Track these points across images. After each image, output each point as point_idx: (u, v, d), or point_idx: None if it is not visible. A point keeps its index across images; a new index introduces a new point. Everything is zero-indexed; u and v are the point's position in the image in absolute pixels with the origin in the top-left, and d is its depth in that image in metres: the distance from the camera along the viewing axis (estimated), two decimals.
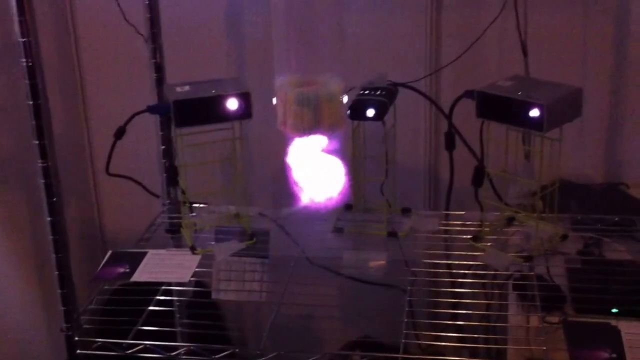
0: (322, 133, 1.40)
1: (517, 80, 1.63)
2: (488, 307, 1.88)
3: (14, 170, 2.16)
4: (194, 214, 1.84)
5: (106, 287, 1.65)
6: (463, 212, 1.82)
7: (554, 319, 1.54)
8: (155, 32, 1.88)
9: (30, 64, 1.38)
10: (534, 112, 1.50)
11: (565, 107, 1.55)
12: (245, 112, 1.60)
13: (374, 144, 1.71)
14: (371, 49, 2.15)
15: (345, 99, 1.44)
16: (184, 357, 1.49)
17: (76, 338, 1.54)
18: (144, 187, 1.93)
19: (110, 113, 2.28)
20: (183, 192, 1.75)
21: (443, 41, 2.17)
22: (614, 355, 1.34)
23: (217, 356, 1.49)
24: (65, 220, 1.49)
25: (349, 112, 1.61)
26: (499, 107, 1.57)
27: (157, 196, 1.98)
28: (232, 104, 1.60)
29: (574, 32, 2.10)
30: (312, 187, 1.48)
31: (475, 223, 1.77)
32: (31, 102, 1.40)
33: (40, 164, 1.44)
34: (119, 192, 2.41)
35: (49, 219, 1.46)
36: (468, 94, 1.62)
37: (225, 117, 1.61)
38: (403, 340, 1.46)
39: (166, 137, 1.92)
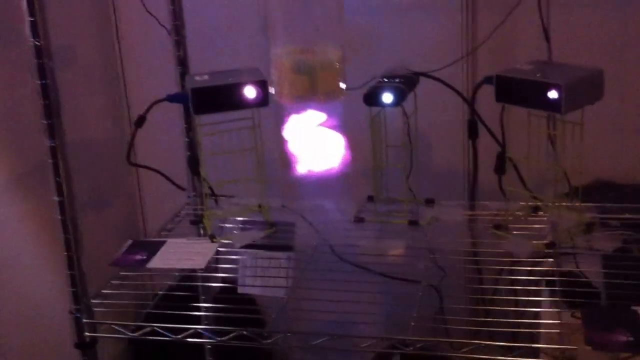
0: (319, 101, 1.38)
1: (537, 64, 1.59)
2: (517, 302, 1.82)
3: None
4: (217, 205, 1.84)
5: (122, 272, 1.65)
6: (487, 202, 1.77)
7: None
8: (178, 25, 1.89)
9: (38, 43, 1.39)
10: (552, 94, 1.46)
11: (585, 89, 1.50)
12: (262, 99, 1.61)
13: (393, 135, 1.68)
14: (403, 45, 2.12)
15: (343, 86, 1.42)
16: (189, 339, 1.48)
17: (84, 320, 1.55)
18: (169, 179, 1.92)
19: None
20: (206, 183, 1.76)
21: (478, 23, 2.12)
22: (632, 339, 1.29)
23: (222, 338, 1.48)
24: (74, 200, 1.49)
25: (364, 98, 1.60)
26: (518, 90, 1.53)
27: (182, 189, 1.97)
28: (249, 91, 1.60)
29: (603, 22, 2.03)
30: (310, 159, 1.46)
31: (500, 212, 1.72)
32: (39, 82, 1.41)
33: (48, 144, 1.45)
34: (148, 184, 2.44)
35: (57, 199, 1.47)
36: (487, 79, 1.59)
37: (242, 104, 1.61)
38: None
39: (189, 129, 1.93)
